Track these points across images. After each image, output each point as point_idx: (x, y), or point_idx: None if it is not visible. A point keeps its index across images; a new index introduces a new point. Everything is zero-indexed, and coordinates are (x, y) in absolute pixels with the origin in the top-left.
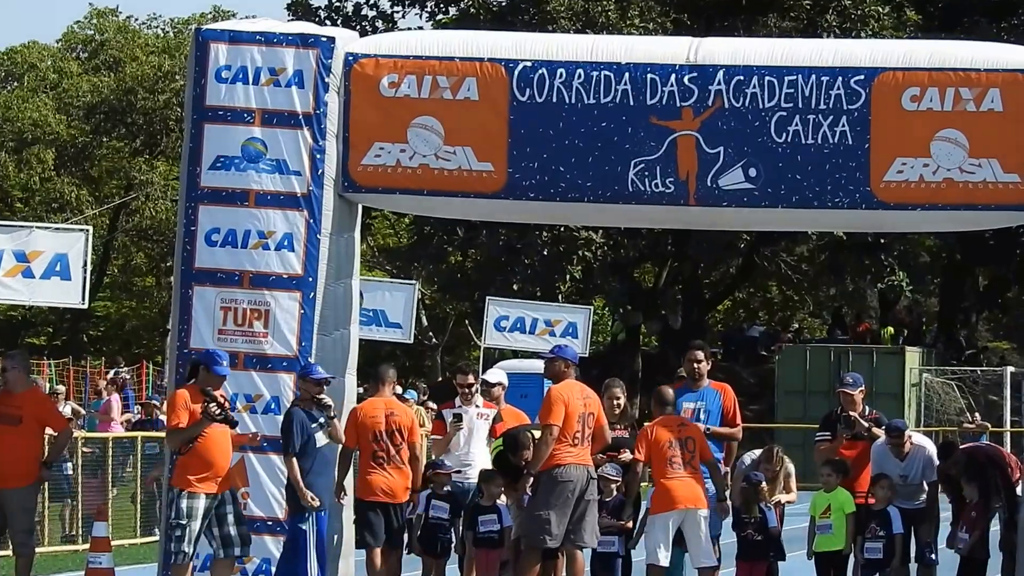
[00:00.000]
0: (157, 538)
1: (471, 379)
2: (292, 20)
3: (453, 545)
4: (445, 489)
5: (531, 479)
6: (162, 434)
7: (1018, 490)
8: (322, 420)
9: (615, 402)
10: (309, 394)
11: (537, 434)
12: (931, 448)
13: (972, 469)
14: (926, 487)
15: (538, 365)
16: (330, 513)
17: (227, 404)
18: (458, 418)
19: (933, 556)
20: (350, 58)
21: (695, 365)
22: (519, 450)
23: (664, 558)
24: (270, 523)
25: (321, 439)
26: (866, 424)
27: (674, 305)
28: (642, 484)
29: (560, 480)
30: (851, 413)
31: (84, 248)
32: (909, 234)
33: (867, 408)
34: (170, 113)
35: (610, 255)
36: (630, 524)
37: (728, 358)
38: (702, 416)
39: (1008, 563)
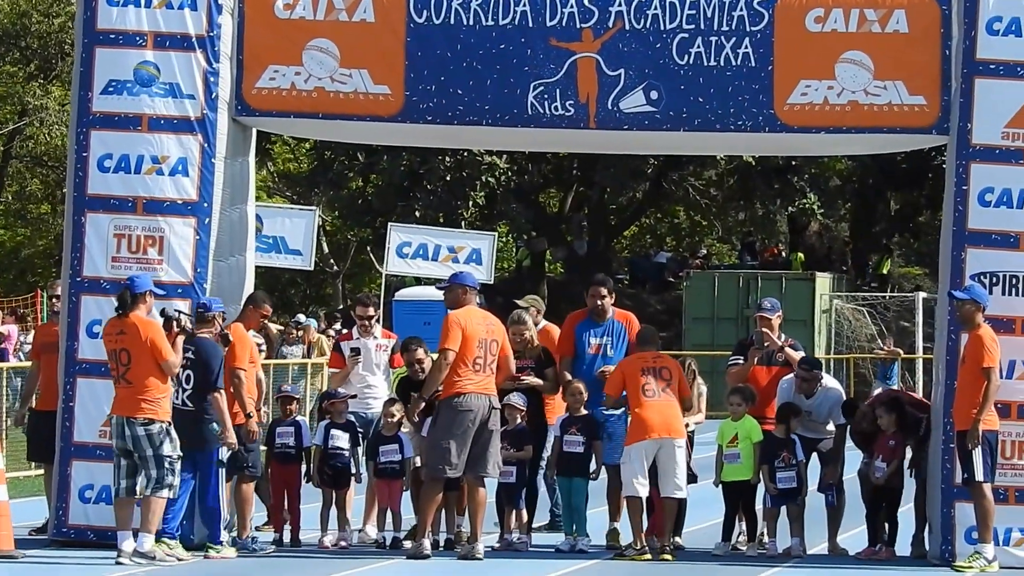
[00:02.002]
0: (40, 472)
1: (371, 311)
2: None
3: (354, 475)
4: (343, 419)
5: (422, 404)
6: None
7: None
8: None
9: (524, 333)
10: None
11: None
12: (840, 391)
13: (886, 403)
14: (832, 426)
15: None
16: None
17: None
18: (356, 352)
19: (833, 499)
20: None
21: (599, 301)
22: None
23: (643, 488)
24: None
25: None
26: (780, 343)
27: (580, 231)
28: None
29: (460, 409)
30: (764, 330)
31: None
32: (819, 157)
33: (782, 335)
34: (65, 37)
35: (514, 180)
36: (530, 453)
37: (635, 285)
38: (609, 352)
39: (919, 492)
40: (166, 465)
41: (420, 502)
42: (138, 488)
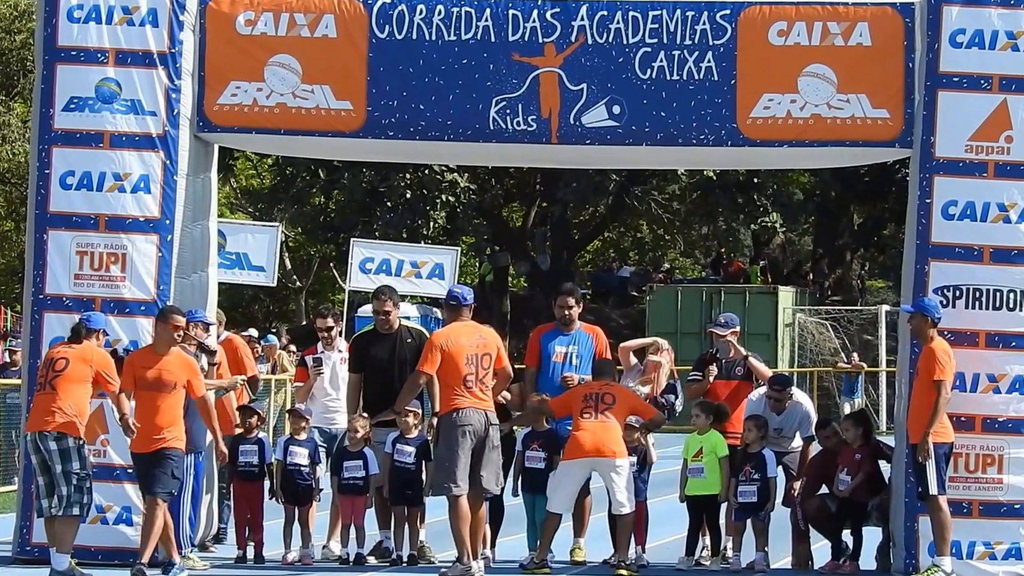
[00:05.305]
0: (15, 487)
1: (329, 321)
2: None
3: (314, 491)
4: (304, 435)
5: (391, 416)
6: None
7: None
8: (203, 364)
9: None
10: (196, 339)
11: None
12: (808, 405)
13: (854, 415)
14: (799, 439)
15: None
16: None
17: None
18: (318, 363)
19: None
20: None
21: (566, 311)
22: None
23: (560, 506)
24: (130, 471)
25: None
26: (744, 352)
27: (543, 246)
28: (514, 429)
29: (459, 423)
30: (729, 339)
31: None
32: (781, 171)
33: (743, 350)
34: (27, 53)
35: (475, 198)
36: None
37: (598, 299)
38: (575, 360)
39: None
40: (74, 483)
41: (451, 526)
42: (45, 507)
